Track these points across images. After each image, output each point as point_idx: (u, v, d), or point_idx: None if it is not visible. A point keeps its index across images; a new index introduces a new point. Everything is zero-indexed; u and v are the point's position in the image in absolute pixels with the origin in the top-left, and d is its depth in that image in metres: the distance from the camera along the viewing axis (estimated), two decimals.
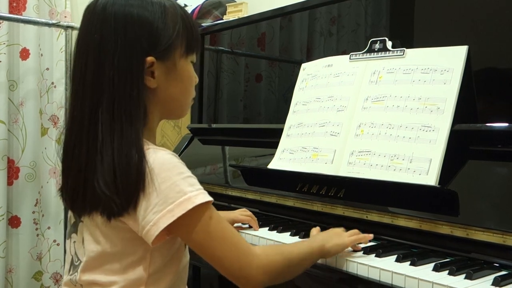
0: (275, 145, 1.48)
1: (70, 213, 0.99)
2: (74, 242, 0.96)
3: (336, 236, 1.04)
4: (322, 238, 1.03)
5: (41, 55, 2.50)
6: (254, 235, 1.23)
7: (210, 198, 0.86)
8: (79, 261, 0.93)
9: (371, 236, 1.06)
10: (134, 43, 0.86)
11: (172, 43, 0.90)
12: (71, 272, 0.95)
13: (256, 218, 1.30)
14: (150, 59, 0.87)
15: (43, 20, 2.39)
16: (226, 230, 0.87)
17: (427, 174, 1.10)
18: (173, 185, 0.83)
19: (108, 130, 0.84)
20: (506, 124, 1.10)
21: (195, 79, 0.97)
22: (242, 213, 1.31)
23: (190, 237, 0.86)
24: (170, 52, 0.90)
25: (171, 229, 0.83)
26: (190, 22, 0.94)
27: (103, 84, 0.85)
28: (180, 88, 0.94)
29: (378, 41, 1.34)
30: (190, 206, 0.83)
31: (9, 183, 2.44)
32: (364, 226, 1.20)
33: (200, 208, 0.84)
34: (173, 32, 0.90)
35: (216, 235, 0.85)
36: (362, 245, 1.08)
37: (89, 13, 0.89)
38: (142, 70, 0.87)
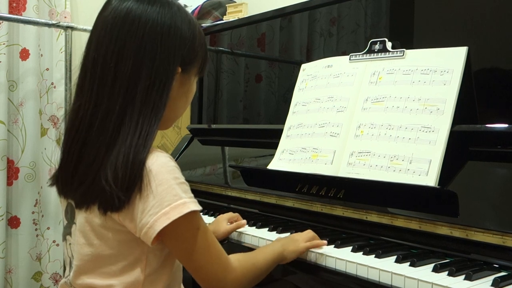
0: (275, 146, 1.48)
1: (62, 215, 0.99)
2: (70, 244, 0.96)
3: (293, 243, 1.07)
4: (281, 244, 1.07)
5: (41, 55, 2.50)
6: (254, 236, 1.23)
7: (200, 207, 0.88)
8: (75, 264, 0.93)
9: (325, 242, 1.09)
10: (173, 50, 0.90)
11: (196, 59, 0.95)
12: (66, 274, 0.95)
13: (238, 215, 1.32)
14: (179, 68, 0.92)
15: (43, 21, 2.38)
16: (211, 242, 0.90)
17: (427, 175, 1.10)
18: (169, 188, 0.85)
19: (133, 128, 0.86)
20: (505, 125, 1.10)
21: None
22: (226, 225, 1.28)
23: (176, 244, 0.88)
24: (192, 67, 0.95)
25: (161, 233, 0.84)
26: (206, 45, 1.00)
27: (139, 83, 0.87)
28: (184, 101, 0.98)
29: (378, 42, 1.34)
30: (185, 210, 0.84)
31: (9, 183, 2.43)
32: (363, 226, 1.20)
33: (191, 216, 0.86)
34: (198, 50, 0.95)
35: (200, 246, 0.88)
36: (363, 247, 1.08)
37: (124, 10, 0.89)
38: (174, 77, 0.91)
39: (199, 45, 0.95)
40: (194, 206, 0.86)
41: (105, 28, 0.90)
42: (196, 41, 0.94)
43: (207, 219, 1.43)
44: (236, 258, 0.95)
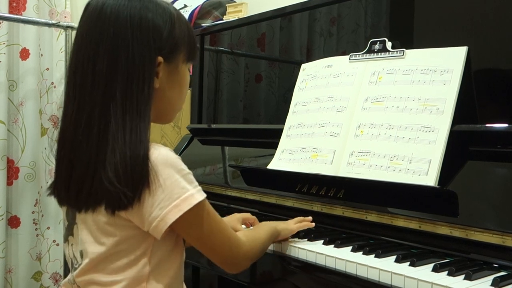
0: (274, 146, 1.48)
1: (63, 215, 0.99)
2: (72, 244, 0.96)
3: (283, 222, 1.16)
4: (274, 222, 1.15)
5: (41, 55, 2.50)
6: None
7: (205, 195, 0.91)
8: (78, 264, 0.93)
9: (312, 224, 1.17)
10: (147, 42, 0.90)
11: (179, 46, 0.94)
12: (69, 275, 0.96)
13: (254, 218, 1.29)
14: (159, 58, 0.91)
15: (43, 20, 2.39)
16: (221, 224, 0.94)
17: (427, 174, 1.10)
18: (177, 181, 0.86)
19: (121, 124, 0.86)
20: (505, 125, 1.10)
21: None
22: (241, 227, 1.26)
23: (190, 232, 0.91)
24: (176, 55, 0.94)
25: (172, 224, 0.86)
26: (193, 32, 1.00)
27: (116, 80, 0.87)
28: (178, 91, 0.98)
29: (378, 42, 1.34)
30: (194, 202, 0.87)
31: (9, 183, 2.44)
32: (363, 226, 1.20)
33: (200, 205, 0.89)
34: (180, 37, 0.94)
35: (212, 229, 0.92)
36: (363, 246, 1.08)
37: (97, 12, 0.90)
38: (154, 69, 0.90)
39: (180, 32, 0.94)
40: (200, 196, 0.89)
41: (82, 36, 0.91)
42: (174, 29, 0.93)
43: None
44: (242, 234, 1.01)
